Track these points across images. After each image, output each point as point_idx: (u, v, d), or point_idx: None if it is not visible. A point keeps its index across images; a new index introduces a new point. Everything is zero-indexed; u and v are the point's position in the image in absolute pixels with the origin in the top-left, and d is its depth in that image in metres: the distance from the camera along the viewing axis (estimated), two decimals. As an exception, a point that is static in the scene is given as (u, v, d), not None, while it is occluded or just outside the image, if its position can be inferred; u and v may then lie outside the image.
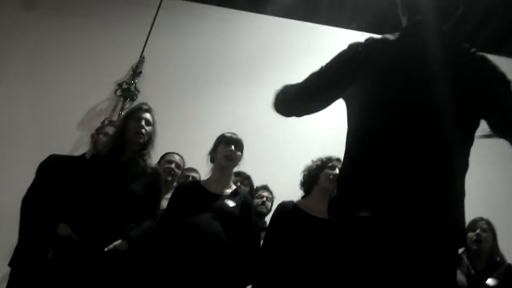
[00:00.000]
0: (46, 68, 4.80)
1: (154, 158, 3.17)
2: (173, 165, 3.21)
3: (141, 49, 4.96)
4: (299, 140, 4.59)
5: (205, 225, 2.46)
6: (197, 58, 5.06)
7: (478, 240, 3.01)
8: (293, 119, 4.35)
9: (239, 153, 2.74)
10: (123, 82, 4.74)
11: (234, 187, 2.76)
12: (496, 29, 4.90)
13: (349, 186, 1.32)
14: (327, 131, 4.35)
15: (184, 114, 4.71)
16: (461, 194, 1.33)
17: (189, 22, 5.23)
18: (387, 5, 4.78)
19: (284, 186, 3.90)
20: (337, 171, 2.66)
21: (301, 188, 2.93)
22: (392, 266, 1.18)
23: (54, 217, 2.44)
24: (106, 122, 4.43)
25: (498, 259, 3.03)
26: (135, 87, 4.73)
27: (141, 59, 4.90)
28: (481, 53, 1.43)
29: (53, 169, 2.92)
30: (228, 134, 2.77)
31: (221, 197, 2.63)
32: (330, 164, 2.74)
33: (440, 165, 1.27)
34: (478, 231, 3.03)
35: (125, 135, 2.58)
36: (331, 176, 2.69)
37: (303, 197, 2.89)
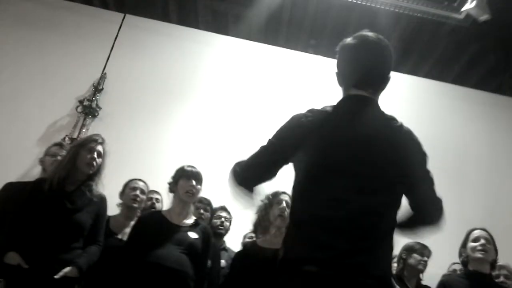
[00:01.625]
0: (5, 81, 4.76)
1: (117, 182, 3.25)
2: (138, 192, 3.30)
3: (103, 66, 4.99)
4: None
5: (171, 257, 2.57)
6: (159, 75, 5.13)
7: (425, 265, 3.31)
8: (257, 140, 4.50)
9: (199, 186, 2.86)
10: (84, 98, 4.76)
11: (194, 218, 2.89)
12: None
13: (293, 245, 1.51)
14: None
15: (145, 131, 4.78)
16: (390, 249, 1.54)
17: (151, 39, 5.31)
18: (342, 29, 5.07)
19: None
20: (284, 204, 2.79)
21: (255, 229, 3.03)
22: None
23: (2, 245, 2.47)
24: (66, 139, 4.46)
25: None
26: (97, 104, 4.76)
27: (103, 76, 4.94)
28: (406, 127, 1.65)
29: (6, 198, 2.93)
30: (188, 168, 2.88)
31: (183, 228, 2.75)
32: (277, 200, 2.84)
33: (369, 229, 1.46)
34: (425, 258, 3.34)
35: (76, 164, 2.65)
36: (280, 212, 2.79)
37: (258, 236, 3.00)
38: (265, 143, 1.67)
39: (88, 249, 2.61)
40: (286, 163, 1.66)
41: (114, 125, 4.68)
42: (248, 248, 2.92)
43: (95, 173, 2.71)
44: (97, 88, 4.84)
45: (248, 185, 1.68)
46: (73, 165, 2.65)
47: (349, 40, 1.72)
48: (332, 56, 5.21)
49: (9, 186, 3.13)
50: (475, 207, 4.71)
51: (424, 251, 3.34)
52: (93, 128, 4.67)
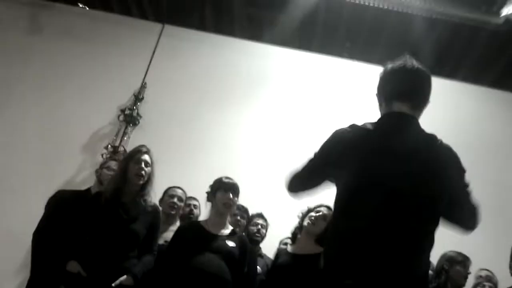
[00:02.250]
0: (50, 92, 4.99)
1: (156, 189, 3.38)
2: (175, 199, 3.45)
3: (143, 75, 5.16)
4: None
5: (211, 264, 2.68)
6: (197, 84, 5.26)
7: (466, 278, 3.30)
8: (294, 147, 4.55)
9: (236, 199, 2.97)
10: (125, 107, 4.93)
11: (231, 228, 3.00)
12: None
13: (335, 259, 1.58)
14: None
15: (186, 139, 4.92)
16: (426, 270, 1.60)
17: (189, 48, 5.44)
18: (377, 35, 5.08)
19: (280, 211, 4.14)
20: (321, 213, 2.92)
21: (295, 230, 3.17)
22: None
23: (64, 254, 2.65)
24: (109, 147, 4.64)
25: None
26: (137, 113, 4.93)
27: (143, 85, 5.10)
28: (446, 144, 1.68)
29: (61, 206, 3.14)
30: (226, 180, 2.98)
31: (220, 237, 2.86)
32: (318, 208, 2.97)
33: (409, 244, 1.51)
34: (468, 270, 3.32)
35: (127, 176, 2.80)
36: (312, 218, 2.93)
37: (292, 242, 3.17)
38: (310, 156, 1.78)
39: (143, 258, 2.74)
40: (329, 177, 1.75)
41: (154, 133, 4.83)
42: (280, 253, 3.05)
43: (146, 182, 2.84)
44: (138, 97, 5.01)
45: (296, 195, 1.86)
46: (125, 178, 2.79)
47: (391, 64, 1.80)
48: (367, 61, 5.23)
49: (61, 193, 3.32)
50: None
51: (467, 262, 3.31)
52: (134, 136, 4.85)
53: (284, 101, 5.22)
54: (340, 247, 1.57)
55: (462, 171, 1.68)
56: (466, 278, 3.29)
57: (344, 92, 5.29)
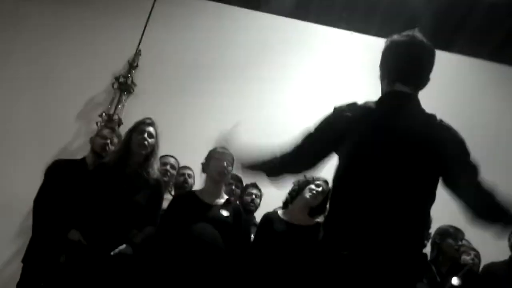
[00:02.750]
0: (43, 59, 4.91)
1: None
2: (168, 167, 3.49)
3: (137, 42, 5.09)
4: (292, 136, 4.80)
5: (204, 233, 2.74)
6: (192, 52, 5.21)
7: (458, 250, 3.35)
8: (287, 119, 4.57)
9: (230, 168, 2.99)
10: (120, 75, 4.89)
11: (225, 197, 3.03)
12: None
13: (334, 231, 1.65)
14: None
15: (180, 107, 4.90)
16: (421, 243, 1.66)
17: (185, 16, 5.36)
18: (375, 5, 5.03)
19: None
20: (321, 188, 2.98)
21: (287, 198, 3.19)
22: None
23: (65, 222, 2.71)
24: (104, 115, 4.63)
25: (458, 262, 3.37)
26: (132, 81, 4.89)
27: (138, 52, 5.04)
28: (446, 122, 1.71)
29: (59, 175, 3.18)
30: (220, 150, 2.99)
31: (215, 207, 2.90)
32: (317, 182, 3.02)
33: (403, 219, 1.57)
34: (459, 242, 3.36)
35: (130, 147, 2.81)
36: (314, 192, 2.98)
37: (283, 208, 3.17)
38: (306, 132, 1.79)
39: (145, 229, 2.77)
40: (325, 154, 1.78)
41: (149, 102, 4.80)
42: (272, 219, 3.05)
43: (150, 154, 2.85)
44: (132, 65, 4.95)
45: (292, 172, 1.86)
46: (128, 149, 2.82)
47: (397, 36, 1.79)
48: (364, 32, 5.19)
49: (57, 163, 3.36)
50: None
51: (458, 235, 3.37)
52: (129, 104, 4.83)
53: (280, 71, 5.19)
54: (339, 221, 1.63)
55: (464, 149, 1.68)
56: (458, 250, 3.33)
57: (341, 63, 5.27)
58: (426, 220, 1.70)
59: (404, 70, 1.74)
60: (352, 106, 1.74)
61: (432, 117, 1.71)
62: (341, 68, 5.24)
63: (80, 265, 2.55)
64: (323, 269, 1.62)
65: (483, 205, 1.60)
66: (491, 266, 2.95)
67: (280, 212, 3.07)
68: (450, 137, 1.68)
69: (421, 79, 1.77)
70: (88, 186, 2.78)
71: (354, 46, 5.34)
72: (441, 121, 1.71)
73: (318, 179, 3.03)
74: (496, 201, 1.57)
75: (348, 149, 1.67)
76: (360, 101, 1.78)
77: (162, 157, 3.52)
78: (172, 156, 3.62)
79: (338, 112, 1.75)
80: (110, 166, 2.79)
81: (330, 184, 2.89)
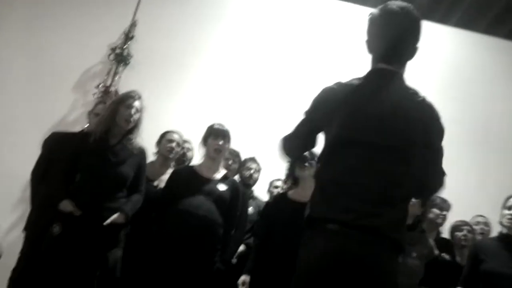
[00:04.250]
0: (39, 30, 4.86)
1: (146, 129, 3.40)
2: (174, 144, 3.49)
3: (133, 13, 5.04)
4: (287, 109, 4.79)
5: (201, 206, 2.84)
6: (191, 22, 5.17)
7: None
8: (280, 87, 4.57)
9: (227, 145, 3.08)
10: (116, 46, 4.86)
11: (223, 172, 3.12)
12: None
13: (318, 206, 1.70)
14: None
15: (178, 79, 4.92)
16: (404, 216, 1.70)
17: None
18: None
19: (271, 154, 4.23)
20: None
21: (286, 181, 3.28)
22: (347, 265, 1.56)
23: (58, 193, 2.76)
24: (100, 86, 4.63)
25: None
26: (128, 52, 4.87)
27: (133, 23, 5.00)
28: (428, 101, 1.74)
29: (55, 146, 3.23)
30: (217, 127, 3.07)
31: (212, 181, 2.99)
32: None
33: (387, 193, 1.62)
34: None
35: (116, 119, 2.85)
36: (301, 165, 2.99)
37: (290, 188, 3.21)
38: (301, 116, 1.85)
39: (132, 197, 2.85)
40: (316, 134, 1.84)
41: (146, 73, 4.80)
42: (278, 200, 3.12)
43: (134, 127, 2.90)
44: (128, 36, 4.92)
45: (293, 155, 1.97)
46: (113, 121, 2.84)
47: (375, 11, 1.79)
48: (362, 3, 5.11)
49: (55, 135, 3.40)
50: (502, 167, 4.80)
51: (443, 205, 3.46)
52: (126, 76, 4.82)
53: (278, 44, 5.18)
54: (323, 196, 1.68)
55: (441, 130, 1.74)
56: (442, 219, 3.47)
57: (336, 35, 5.26)
58: (408, 198, 1.73)
59: (386, 48, 1.75)
60: (338, 84, 1.78)
61: (415, 94, 1.74)
62: (337, 39, 5.23)
63: (73, 236, 2.62)
64: (310, 243, 1.67)
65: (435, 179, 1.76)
66: (480, 242, 3.04)
67: (289, 193, 3.09)
68: (432, 117, 1.72)
69: (405, 54, 1.78)
70: (76, 157, 2.83)
71: (349, 16, 5.31)
72: (424, 99, 1.74)
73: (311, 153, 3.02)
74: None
75: (332, 128, 1.72)
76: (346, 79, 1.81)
77: (167, 133, 3.54)
78: (177, 132, 3.61)
79: (325, 92, 1.79)
80: (96, 137, 2.81)
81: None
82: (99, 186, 2.73)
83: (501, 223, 2.96)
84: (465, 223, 3.56)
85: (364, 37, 1.85)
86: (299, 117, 1.86)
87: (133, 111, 2.85)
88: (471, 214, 3.80)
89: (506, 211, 2.92)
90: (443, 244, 3.44)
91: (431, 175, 1.75)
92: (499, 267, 2.72)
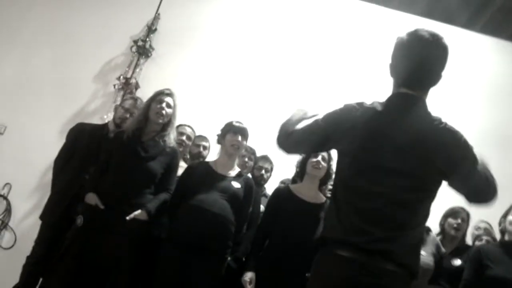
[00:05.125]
0: (64, 19, 4.94)
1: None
2: (184, 137, 3.55)
3: (157, 6, 5.07)
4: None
5: (215, 203, 2.84)
6: (214, 16, 5.19)
7: (457, 229, 3.38)
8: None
9: (244, 142, 3.09)
10: (138, 39, 4.91)
11: (238, 169, 3.14)
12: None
13: (332, 226, 1.71)
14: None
15: (199, 74, 4.93)
16: (419, 242, 1.70)
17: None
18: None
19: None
20: (319, 157, 3.01)
21: (295, 178, 3.31)
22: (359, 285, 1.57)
23: (83, 185, 2.86)
24: (121, 78, 4.68)
25: (465, 244, 3.44)
26: (150, 45, 4.91)
27: (157, 16, 5.03)
28: (451, 126, 1.70)
29: (81, 138, 3.31)
30: (236, 124, 3.08)
31: (227, 178, 3.00)
32: (314, 154, 3.04)
33: (402, 219, 1.63)
34: (459, 220, 3.39)
35: (148, 116, 2.91)
36: (314, 163, 3.01)
37: (295, 182, 3.28)
38: (314, 119, 1.82)
39: (159, 196, 2.89)
40: (325, 147, 1.89)
41: (167, 66, 4.85)
42: (282, 192, 3.11)
43: (167, 123, 2.95)
44: (151, 29, 4.95)
45: (287, 151, 1.90)
46: (146, 117, 2.91)
47: (403, 36, 1.75)
48: (385, 5, 5.05)
49: (81, 126, 3.48)
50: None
51: (458, 214, 3.40)
52: (146, 68, 4.87)
53: (298, 43, 5.15)
54: (338, 217, 1.68)
55: (468, 151, 1.69)
56: (457, 229, 3.37)
57: (360, 37, 5.22)
58: (425, 221, 1.72)
59: (410, 73, 1.73)
60: (360, 105, 1.75)
61: (437, 120, 1.71)
62: (361, 41, 5.19)
63: (95, 228, 2.67)
64: (322, 270, 1.69)
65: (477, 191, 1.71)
66: (484, 247, 3.00)
67: (292, 187, 3.14)
68: (456, 142, 1.68)
69: (429, 81, 1.75)
70: (107, 152, 2.89)
71: (375, 20, 5.27)
72: (446, 124, 1.70)
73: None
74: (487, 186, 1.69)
75: (353, 148, 1.71)
76: (369, 100, 1.79)
77: (178, 126, 3.57)
78: (189, 126, 3.67)
79: (347, 110, 1.77)
80: (129, 134, 2.87)
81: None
82: (126, 181, 2.77)
83: (504, 230, 2.95)
84: (485, 234, 3.53)
85: (388, 60, 1.82)
86: (312, 118, 1.84)
87: (164, 105, 2.90)
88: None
89: (511, 217, 2.92)
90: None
91: (479, 191, 1.70)
92: (504, 273, 2.72)
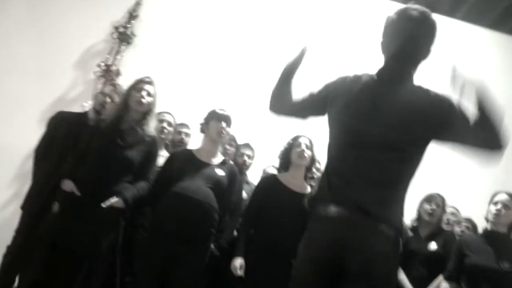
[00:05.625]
0: (43, 5, 4.82)
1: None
2: (165, 124, 3.52)
3: (138, -9, 4.99)
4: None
5: (198, 190, 2.85)
6: (195, 6, 5.12)
7: (431, 214, 3.42)
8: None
9: (228, 128, 3.10)
10: (119, 25, 4.83)
11: (222, 157, 3.14)
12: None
13: (323, 190, 1.80)
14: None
15: (181, 62, 4.88)
16: (403, 203, 1.77)
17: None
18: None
19: (266, 139, 4.25)
20: (303, 146, 3.08)
21: (280, 169, 3.33)
22: (346, 245, 1.65)
23: (60, 173, 2.82)
24: (102, 65, 4.62)
25: (440, 228, 3.48)
26: (132, 31, 4.84)
27: (138, 2, 4.95)
28: (439, 93, 1.75)
29: (60, 127, 3.27)
30: (220, 111, 3.09)
31: (210, 166, 3.01)
32: (296, 143, 3.13)
33: (389, 181, 1.72)
34: (433, 206, 3.43)
35: (128, 104, 2.88)
36: (299, 152, 3.08)
37: (281, 171, 3.30)
38: (311, 91, 1.94)
39: (137, 184, 2.86)
40: (316, 112, 1.93)
41: (148, 54, 4.79)
42: (270, 183, 3.15)
43: (147, 112, 2.91)
44: (132, 15, 4.88)
45: (277, 113, 2.01)
46: (126, 105, 2.87)
47: (393, 14, 1.82)
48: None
49: (61, 114, 3.43)
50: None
51: (432, 200, 3.44)
52: (128, 55, 4.80)
53: (285, 31, 5.12)
54: (329, 182, 1.77)
55: (452, 106, 1.72)
56: (431, 214, 3.40)
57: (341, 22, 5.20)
58: (408, 186, 1.79)
59: (399, 49, 1.77)
60: (354, 75, 1.85)
61: (425, 90, 1.77)
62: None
63: (71, 215, 2.65)
64: (309, 230, 1.78)
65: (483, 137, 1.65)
66: (465, 237, 3.09)
67: (279, 176, 3.17)
68: (441, 102, 1.73)
69: (418, 56, 1.81)
70: (85, 140, 2.85)
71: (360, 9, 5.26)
72: (436, 93, 1.75)
73: (296, 139, 3.14)
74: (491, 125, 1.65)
75: (340, 116, 1.79)
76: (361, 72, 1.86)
77: (158, 113, 3.53)
78: (169, 113, 3.64)
79: (340, 80, 1.86)
80: (108, 122, 2.84)
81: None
82: (103, 168, 2.74)
83: (486, 219, 3.02)
84: (466, 220, 3.61)
85: (379, 38, 1.88)
86: (308, 90, 1.94)
87: (144, 93, 2.87)
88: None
89: (492, 207, 3.00)
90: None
91: (480, 134, 1.66)
92: (482, 261, 2.81)
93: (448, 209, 3.63)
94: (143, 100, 2.85)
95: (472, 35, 5.44)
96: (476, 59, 5.24)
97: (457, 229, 3.63)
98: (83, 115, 3.41)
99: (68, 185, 2.71)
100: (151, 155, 2.95)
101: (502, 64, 5.30)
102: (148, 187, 2.92)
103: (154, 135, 2.99)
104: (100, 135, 2.80)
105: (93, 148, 2.78)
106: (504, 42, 5.45)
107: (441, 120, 1.70)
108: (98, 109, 3.31)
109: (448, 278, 2.94)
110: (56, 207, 2.70)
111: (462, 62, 5.14)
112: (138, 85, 2.90)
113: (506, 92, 5.19)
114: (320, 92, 1.90)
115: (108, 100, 3.32)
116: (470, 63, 5.12)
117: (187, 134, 3.76)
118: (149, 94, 2.90)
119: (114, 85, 3.46)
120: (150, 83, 2.94)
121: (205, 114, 3.17)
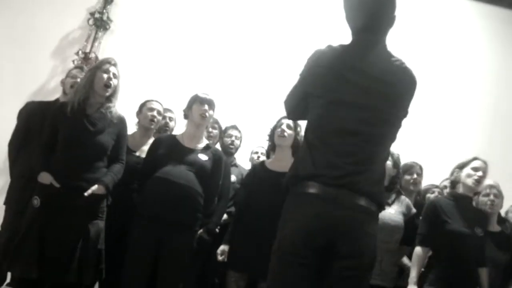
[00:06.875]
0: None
1: (126, 97, 3.29)
2: (155, 112, 3.40)
3: (112, -25, 4.87)
4: (270, 81, 4.72)
5: (180, 175, 2.83)
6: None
7: (415, 183, 3.46)
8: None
9: (211, 112, 3.05)
10: (95, 11, 4.72)
11: (206, 142, 3.10)
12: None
13: (304, 165, 1.76)
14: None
15: (160, 46, 4.80)
16: (382, 177, 1.81)
17: None
18: None
19: (252, 123, 4.22)
20: (284, 126, 3.05)
21: (268, 151, 3.35)
22: (329, 222, 1.65)
23: (35, 165, 2.74)
24: (80, 53, 4.52)
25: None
26: (108, 17, 4.74)
27: (111, -14, 4.84)
28: (409, 68, 1.81)
29: (33, 117, 3.19)
30: (202, 95, 3.03)
31: (194, 151, 2.98)
32: (278, 123, 3.11)
33: (370, 153, 1.73)
34: (415, 175, 3.46)
35: (94, 86, 2.78)
36: (279, 132, 3.06)
37: (269, 157, 3.32)
38: (295, 82, 1.91)
39: (112, 167, 2.82)
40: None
41: (126, 39, 4.71)
42: (257, 169, 3.20)
43: (112, 94, 2.84)
44: (107, 0, 4.77)
45: (292, 118, 2.23)
46: (91, 88, 2.78)
47: None
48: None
49: (30, 105, 3.34)
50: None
51: (412, 169, 3.48)
52: (105, 41, 4.71)
53: (265, 20, 5.06)
54: (310, 156, 1.75)
55: (413, 95, 1.82)
56: (414, 183, 3.47)
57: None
58: (386, 160, 1.85)
59: (365, 19, 1.79)
60: (329, 47, 1.82)
61: (397, 60, 1.80)
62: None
63: (54, 207, 2.60)
64: (290, 206, 1.77)
65: None
66: (439, 201, 3.05)
67: (266, 161, 3.18)
68: (411, 82, 1.81)
69: (384, 23, 1.82)
70: (50, 127, 2.77)
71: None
72: (405, 65, 1.80)
73: (280, 119, 3.11)
74: None
75: (321, 90, 1.78)
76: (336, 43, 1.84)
77: (147, 101, 3.44)
78: (157, 101, 3.50)
79: (317, 56, 1.83)
80: (73, 106, 2.74)
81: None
82: (78, 156, 2.68)
83: (456, 180, 3.00)
84: (435, 186, 3.67)
85: (342, 13, 1.86)
86: (295, 78, 1.90)
87: (111, 75, 2.80)
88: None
89: (472, 172, 2.95)
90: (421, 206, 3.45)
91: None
92: (460, 227, 2.82)
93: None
94: (111, 83, 2.78)
95: (456, 7, 5.41)
96: (461, 31, 5.26)
97: (430, 196, 3.63)
98: (55, 102, 3.28)
99: (45, 178, 2.64)
100: (122, 136, 2.90)
101: (487, 36, 5.30)
102: (123, 169, 2.89)
103: (121, 115, 2.91)
104: (68, 121, 2.71)
105: (64, 136, 2.71)
106: (488, 13, 5.42)
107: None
108: (67, 92, 3.21)
109: (421, 243, 2.90)
110: (36, 201, 2.64)
111: (447, 34, 5.18)
112: (103, 67, 2.80)
113: (490, 62, 5.25)
114: (306, 77, 1.87)
115: (77, 80, 3.18)
116: (455, 34, 5.21)
117: (171, 119, 3.69)
118: (115, 76, 2.83)
119: (81, 67, 3.36)
120: (115, 64, 2.86)
121: (186, 99, 3.12)
